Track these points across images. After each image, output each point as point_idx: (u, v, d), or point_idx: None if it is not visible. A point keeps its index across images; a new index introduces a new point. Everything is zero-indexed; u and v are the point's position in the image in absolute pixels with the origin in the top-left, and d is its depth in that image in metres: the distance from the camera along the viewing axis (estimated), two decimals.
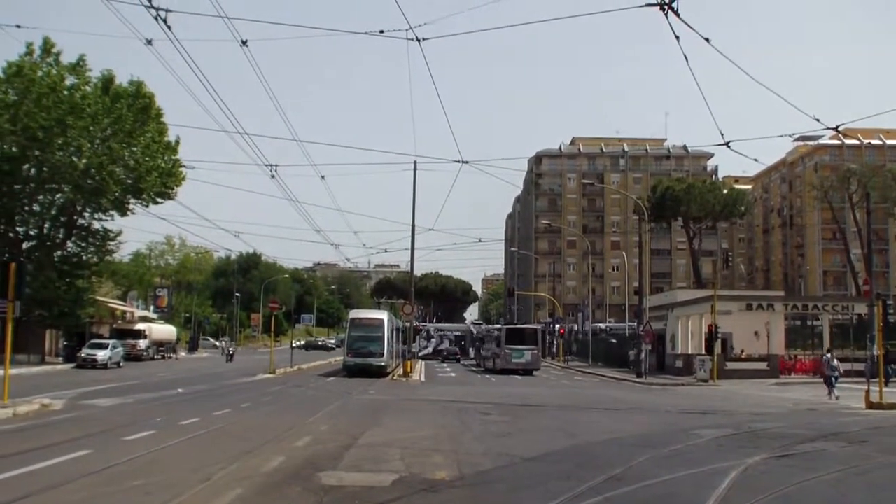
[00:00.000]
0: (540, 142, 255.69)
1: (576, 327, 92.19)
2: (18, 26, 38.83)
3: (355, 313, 55.59)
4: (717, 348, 47.80)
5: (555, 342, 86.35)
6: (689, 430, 20.38)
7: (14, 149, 49.79)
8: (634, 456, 14.75)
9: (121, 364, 53.60)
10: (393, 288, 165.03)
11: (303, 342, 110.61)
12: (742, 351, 52.96)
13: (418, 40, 21.88)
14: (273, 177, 36.05)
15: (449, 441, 16.89)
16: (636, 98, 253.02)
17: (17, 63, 49.32)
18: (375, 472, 12.63)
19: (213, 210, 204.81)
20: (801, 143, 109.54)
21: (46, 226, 55.26)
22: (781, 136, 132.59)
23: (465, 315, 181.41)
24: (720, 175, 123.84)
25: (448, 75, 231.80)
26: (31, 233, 55.03)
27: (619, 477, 12.43)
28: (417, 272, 79.24)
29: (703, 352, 49.05)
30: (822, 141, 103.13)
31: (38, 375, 41.62)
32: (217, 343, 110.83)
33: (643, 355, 51.79)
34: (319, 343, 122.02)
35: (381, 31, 22.21)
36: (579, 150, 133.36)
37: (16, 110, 48.45)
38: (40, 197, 53.80)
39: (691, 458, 14.88)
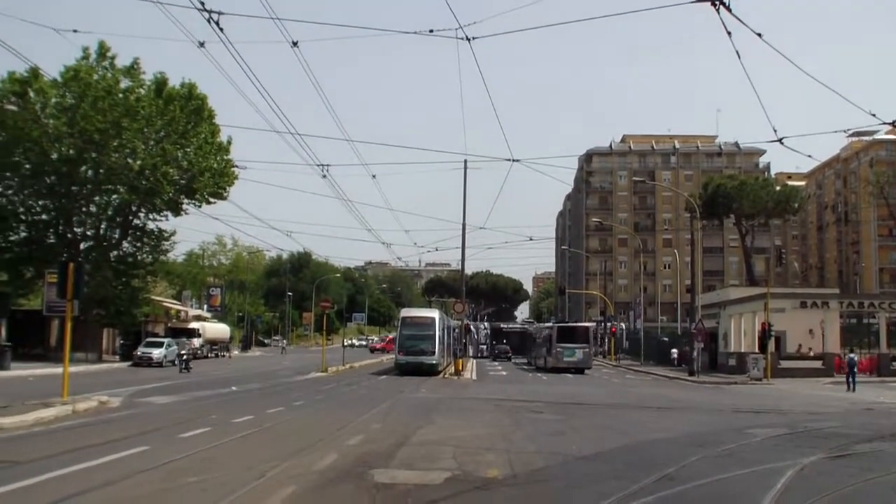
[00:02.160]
0: (590, 139, 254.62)
1: (627, 325, 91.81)
2: (75, 31, 39.48)
3: (406, 312, 55.77)
4: (771, 346, 47.35)
5: (606, 340, 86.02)
6: (742, 429, 20.19)
7: (71, 151, 50.63)
8: (687, 455, 14.64)
9: (175, 362, 54.26)
10: (444, 286, 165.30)
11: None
12: (809, 349, 52.16)
13: (468, 39, 21.97)
14: (325, 176, 36.28)
15: (501, 439, 16.89)
16: (687, 95, 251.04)
17: (74, 67, 50.15)
18: (428, 470, 12.66)
19: (265, 210, 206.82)
20: (855, 138, 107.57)
21: (103, 226, 56.07)
22: (836, 131, 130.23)
23: (516, 313, 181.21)
24: (773, 172, 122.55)
25: (498, 73, 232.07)
26: (89, 233, 55.86)
27: (672, 476, 12.35)
28: (468, 270, 79.30)
29: (757, 350, 48.63)
30: (877, 136, 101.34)
31: (96, 373, 42.28)
32: (275, 341, 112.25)
33: (695, 353, 51.39)
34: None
35: (431, 31, 22.32)
36: (630, 147, 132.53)
37: (73, 113, 49.31)
38: (97, 198, 54.64)
39: (745, 458, 14.73)
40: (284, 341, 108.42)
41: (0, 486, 10.31)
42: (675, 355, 64.24)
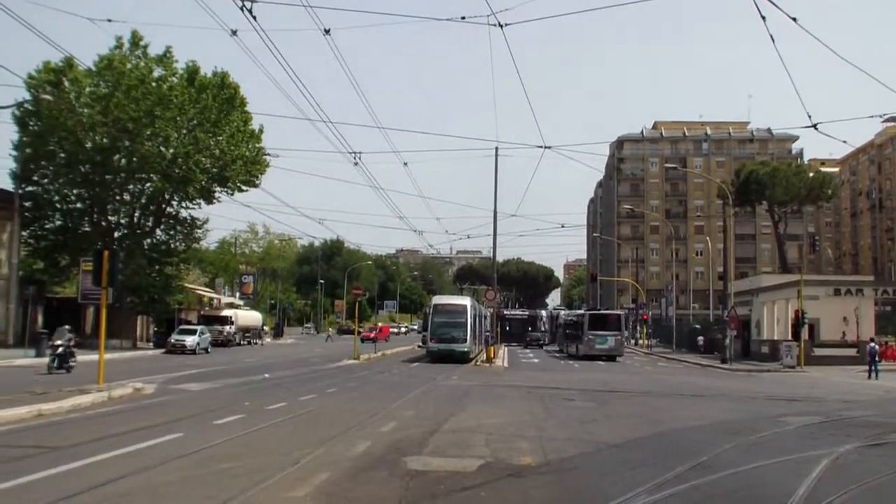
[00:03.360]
0: (622, 126, 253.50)
1: (659, 313, 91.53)
2: (110, 20, 39.72)
3: (438, 299, 55.78)
4: (805, 334, 46.99)
5: (638, 328, 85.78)
6: (776, 417, 20.11)
7: (105, 140, 51.01)
8: (721, 443, 14.62)
9: (208, 350, 54.59)
10: (475, 274, 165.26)
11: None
12: (860, 336, 51.45)
13: (500, 26, 21.93)
14: (356, 164, 36.43)
15: (533, 427, 16.92)
16: (719, 81, 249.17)
17: (108, 56, 50.56)
18: (461, 457, 12.73)
19: (296, 197, 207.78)
20: (890, 123, 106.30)
21: (136, 214, 56.41)
22: (871, 116, 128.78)
23: (548, 301, 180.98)
24: (806, 158, 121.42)
25: (530, 60, 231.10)
26: (122, 221, 56.26)
27: (706, 464, 12.33)
28: (500, 258, 79.11)
29: (790, 338, 48.29)
30: None
31: (131, 360, 42.63)
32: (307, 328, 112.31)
33: (728, 341, 51.10)
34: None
35: (463, 18, 22.35)
36: (661, 134, 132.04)
37: (107, 102, 49.69)
38: (130, 186, 54.99)
39: (779, 446, 14.67)
40: (332, 330, 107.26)
41: (40, 471, 10.48)
42: (702, 342, 64.27)
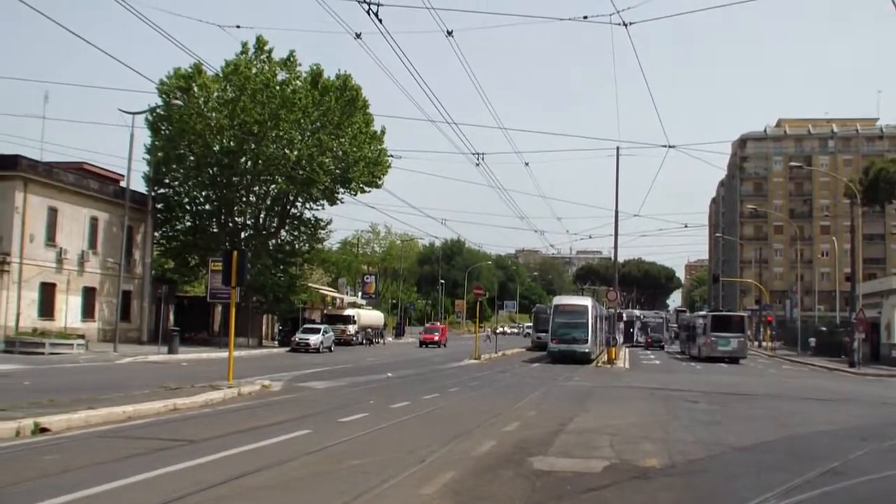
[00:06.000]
0: (744, 124, 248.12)
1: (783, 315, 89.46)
2: (238, 27, 40.90)
3: (559, 300, 55.58)
4: None
5: (761, 330, 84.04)
6: None
7: (232, 143, 52.50)
8: (852, 449, 14.24)
9: (332, 348, 55.52)
10: (595, 274, 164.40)
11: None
12: None
13: (625, 24, 21.77)
14: (478, 164, 36.71)
15: (657, 428, 16.76)
16: (846, 77, 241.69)
17: (234, 62, 51.94)
18: (586, 458, 12.66)
19: (418, 198, 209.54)
20: None
21: (262, 215, 57.81)
22: None
23: (669, 301, 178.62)
24: None
25: (652, 58, 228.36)
26: (248, 222, 57.72)
27: (837, 471, 12.02)
28: (620, 258, 78.43)
29: None
30: None
31: (257, 358, 43.68)
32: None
33: (856, 344, 49.58)
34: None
35: (585, 17, 22.26)
36: (785, 132, 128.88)
37: (233, 106, 51.10)
38: (256, 188, 56.35)
39: None
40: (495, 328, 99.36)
41: (180, 463, 10.85)
42: (813, 343, 63.27)
